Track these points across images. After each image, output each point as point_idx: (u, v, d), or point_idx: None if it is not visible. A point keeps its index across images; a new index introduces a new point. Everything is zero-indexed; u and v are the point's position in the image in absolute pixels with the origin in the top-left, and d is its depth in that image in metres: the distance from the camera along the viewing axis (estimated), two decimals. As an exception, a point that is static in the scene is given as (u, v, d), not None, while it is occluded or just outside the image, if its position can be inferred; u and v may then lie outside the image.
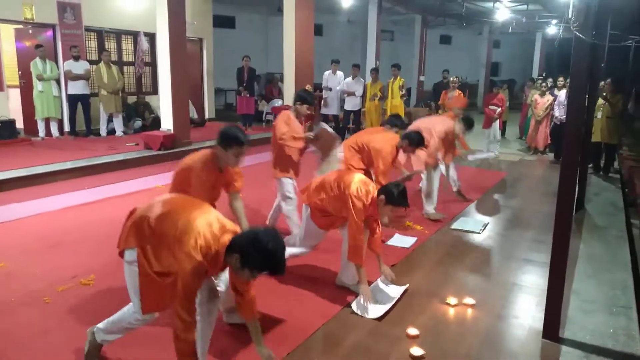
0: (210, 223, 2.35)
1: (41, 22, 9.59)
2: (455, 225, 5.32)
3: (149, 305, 2.51)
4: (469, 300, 3.58)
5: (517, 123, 12.89)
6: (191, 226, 2.29)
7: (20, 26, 9.79)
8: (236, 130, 3.20)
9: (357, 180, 3.46)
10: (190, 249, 2.23)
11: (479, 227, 5.29)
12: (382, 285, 3.70)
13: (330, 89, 10.98)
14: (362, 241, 3.42)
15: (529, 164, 9.28)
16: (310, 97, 4.61)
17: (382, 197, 3.32)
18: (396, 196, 3.28)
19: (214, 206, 2.87)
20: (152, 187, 6.59)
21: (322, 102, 11.07)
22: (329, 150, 4.59)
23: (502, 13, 15.39)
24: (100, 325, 2.70)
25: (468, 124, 5.72)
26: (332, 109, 11.17)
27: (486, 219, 5.67)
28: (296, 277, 3.92)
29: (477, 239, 5.02)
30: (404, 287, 3.70)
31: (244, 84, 11.43)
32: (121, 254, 2.59)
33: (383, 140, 4.73)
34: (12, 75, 9.95)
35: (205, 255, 2.25)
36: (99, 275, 3.87)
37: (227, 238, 2.31)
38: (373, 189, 3.45)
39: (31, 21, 9.46)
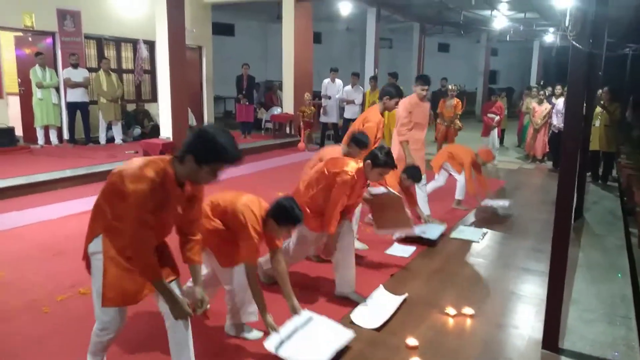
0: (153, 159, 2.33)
1: (41, 29, 9.65)
2: (454, 234, 5.32)
3: (111, 296, 2.32)
4: (468, 310, 3.58)
5: (515, 131, 12.93)
6: (139, 164, 2.25)
7: (20, 34, 9.83)
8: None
9: (348, 162, 3.60)
10: (137, 170, 2.20)
11: (478, 236, 5.29)
12: (381, 295, 3.70)
13: (329, 97, 11.03)
14: (337, 214, 3.52)
15: (528, 172, 9.30)
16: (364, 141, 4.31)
17: (368, 161, 3.48)
18: (381, 158, 3.45)
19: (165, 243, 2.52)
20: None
21: (322, 110, 11.11)
22: (395, 213, 4.27)
23: (500, 21, 15.50)
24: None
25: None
26: (331, 117, 11.21)
27: (485, 227, 5.67)
28: (293, 287, 3.91)
29: (476, 247, 5.02)
30: (402, 297, 3.70)
31: (243, 92, 11.47)
32: (85, 256, 2.48)
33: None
34: (11, 82, 9.97)
35: (156, 172, 2.21)
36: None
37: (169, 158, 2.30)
38: (360, 164, 3.59)
39: (31, 29, 9.50)
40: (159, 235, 2.38)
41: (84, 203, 6.10)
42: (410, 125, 5.58)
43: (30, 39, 9.92)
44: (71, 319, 3.34)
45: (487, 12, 14.80)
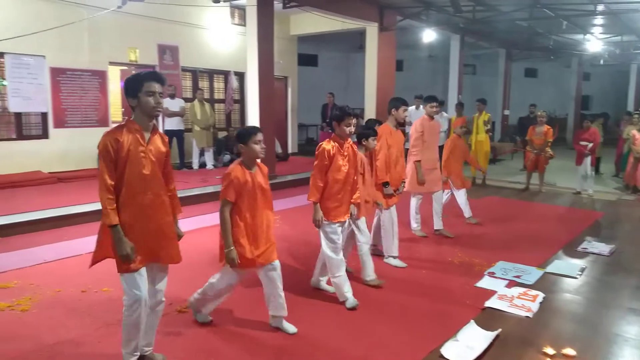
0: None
1: (144, 63, 10.46)
2: (549, 269, 5.06)
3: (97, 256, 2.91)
4: (569, 351, 3.37)
5: (612, 159, 12.14)
6: None
7: (125, 67, 10.73)
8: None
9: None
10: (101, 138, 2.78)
11: (575, 271, 5.01)
12: (472, 331, 3.60)
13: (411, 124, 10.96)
14: (317, 183, 3.98)
15: (628, 204, 8.69)
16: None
17: (334, 123, 4.06)
18: (335, 113, 4.04)
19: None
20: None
21: (406, 137, 11.07)
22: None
23: (594, 45, 14.78)
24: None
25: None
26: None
27: (582, 262, 5.35)
28: (366, 314, 3.91)
29: (574, 284, 4.74)
30: (495, 333, 3.57)
31: (327, 120, 11.73)
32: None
33: None
34: (116, 111, 10.88)
35: (110, 131, 2.78)
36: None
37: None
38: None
39: (135, 62, 10.34)
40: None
41: (182, 222, 6.45)
42: (422, 144, 5.92)
43: (133, 71, 10.81)
44: (169, 333, 3.52)
45: (580, 36, 14.20)
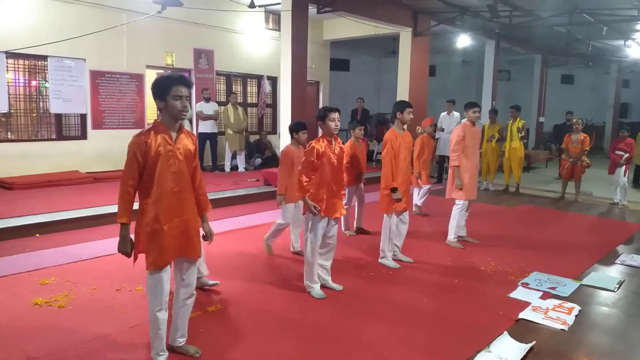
0: None
1: (180, 67, 10.67)
2: (586, 281, 4.92)
3: (136, 253, 3.10)
4: (606, 366, 3.28)
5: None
6: None
7: (162, 71, 10.95)
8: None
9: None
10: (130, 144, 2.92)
11: (613, 284, 4.85)
12: (505, 343, 3.53)
13: (443, 130, 10.86)
14: (302, 180, 4.19)
15: (669, 216, 8.38)
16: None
17: (319, 122, 4.29)
18: (318, 113, 4.30)
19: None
20: (270, 222, 6.90)
21: (436, 142, 10.96)
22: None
23: (634, 51, 14.37)
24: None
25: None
26: (446, 150, 11.01)
27: (620, 275, 5.19)
28: (399, 321, 3.88)
29: (611, 297, 4.60)
30: (529, 345, 3.49)
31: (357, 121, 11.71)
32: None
33: None
34: (152, 114, 11.10)
35: (139, 134, 2.90)
36: (224, 303, 4.12)
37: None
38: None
39: (171, 66, 10.56)
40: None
41: (214, 224, 6.55)
42: (461, 150, 5.87)
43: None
44: (197, 334, 3.57)
45: (620, 42, 13.82)
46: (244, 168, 10.84)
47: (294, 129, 5.35)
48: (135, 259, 3.06)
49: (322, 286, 4.47)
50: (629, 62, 17.24)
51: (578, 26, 11.91)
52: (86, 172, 9.17)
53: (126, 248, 2.95)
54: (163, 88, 2.91)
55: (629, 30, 12.72)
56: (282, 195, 5.30)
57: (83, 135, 9.47)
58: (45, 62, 8.86)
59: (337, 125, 4.32)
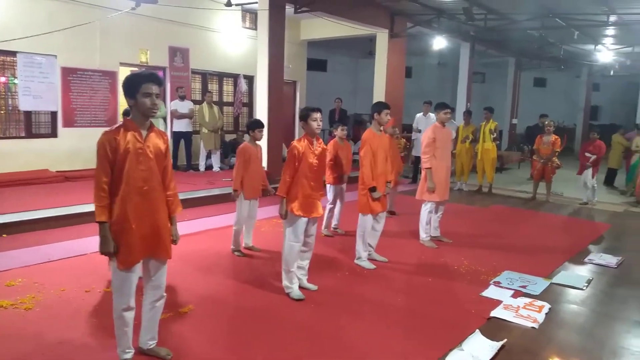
0: None
1: (154, 65, 10.51)
2: (556, 280, 5.02)
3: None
4: (574, 363, 3.34)
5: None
6: None
7: (136, 69, 10.78)
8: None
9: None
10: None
11: (582, 282, 4.96)
12: (477, 341, 3.57)
13: (420, 131, 10.94)
14: (286, 179, 4.23)
15: (636, 216, 8.61)
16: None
17: (300, 122, 4.37)
18: (301, 112, 4.37)
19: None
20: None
21: (411, 143, 11.06)
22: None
23: (604, 55, 14.74)
24: None
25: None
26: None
27: (589, 274, 5.30)
28: (372, 320, 3.89)
29: (581, 295, 4.70)
30: (500, 343, 3.54)
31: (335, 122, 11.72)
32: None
33: None
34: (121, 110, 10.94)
35: (108, 131, 2.86)
36: (197, 304, 4.07)
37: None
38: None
39: (146, 64, 10.39)
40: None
41: (184, 225, 6.49)
42: (433, 151, 5.89)
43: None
44: (171, 335, 3.52)
45: (590, 46, 14.16)
46: (219, 167, 10.74)
47: (250, 127, 5.47)
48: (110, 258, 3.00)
49: (299, 287, 4.46)
50: (599, 66, 17.70)
51: (550, 30, 12.16)
52: (56, 171, 8.95)
53: (108, 248, 2.85)
54: (133, 85, 2.88)
55: (599, 35, 13.04)
56: (236, 192, 5.37)
57: (53, 133, 9.24)
58: (15, 58, 8.62)
59: (319, 125, 4.31)
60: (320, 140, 4.47)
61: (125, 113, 4.48)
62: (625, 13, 10.17)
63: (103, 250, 2.87)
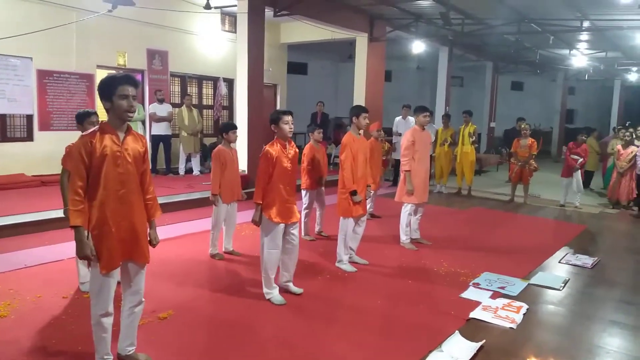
0: None
1: (132, 67, 10.40)
2: (533, 281, 5.10)
3: None
4: (551, 362, 3.40)
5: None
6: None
7: (113, 71, 10.65)
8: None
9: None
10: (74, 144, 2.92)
11: (559, 283, 5.05)
12: (456, 342, 3.61)
13: (400, 134, 11.02)
14: (261, 185, 4.19)
15: (611, 217, 8.80)
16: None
17: (272, 126, 4.29)
18: (275, 115, 4.30)
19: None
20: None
21: (392, 147, 11.13)
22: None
23: (579, 60, 15.05)
24: None
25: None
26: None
27: (566, 275, 5.40)
28: (351, 323, 3.90)
29: (557, 296, 4.78)
30: (479, 344, 3.58)
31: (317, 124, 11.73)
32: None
33: None
34: (103, 115, 10.75)
35: (84, 135, 2.85)
36: (177, 309, 4.03)
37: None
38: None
39: (123, 67, 10.28)
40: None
41: (163, 230, 6.41)
42: (412, 154, 5.94)
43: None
44: (150, 341, 3.48)
45: (565, 51, 14.45)
46: (199, 171, 10.66)
47: (222, 130, 5.49)
48: (89, 264, 2.96)
49: (285, 290, 4.44)
50: (574, 71, 18.06)
51: (526, 35, 12.37)
52: (32, 175, 8.79)
53: (85, 252, 2.79)
54: (109, 88, 2.85)
55: (573, 40, 13.32)
56: (215, 196, 5.37)
57: (29, 137, 9.07)
58: (-12, 60, 8.45)
59: (291, 128, 4.29)
60: (293, 143, 4.43)
61: (79, 117, 4.33)
62: (597, 19, 10.41)
63: (81, 255, 2.83)
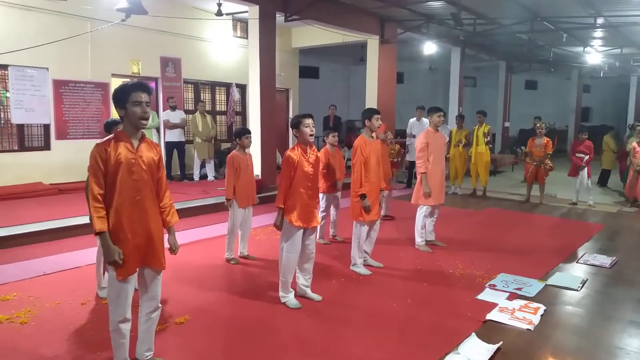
0: None
1: (146, 75, 10.52)
2: (551, 281, 5.04)
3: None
4: (570, 364, 3.36)
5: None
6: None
7: (128, 79, 10.77)
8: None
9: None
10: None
11: (576, 283, 4.99)
12: (473, 344, 3.59)
13: (414, 136, 10.98)
14: (283, 189, 4.20)
15: (629, 216, 8.67)
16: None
17: (294, 130, 4.31)
18: (295, 120, 4.29)
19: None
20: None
21: (406, 148, 11.10)
22: None
23: (593, 57, 14.87)
24: None
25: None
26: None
27: (583, 275, 5.34)
28: (369, 325, 3.90)
29: (575, 296, 4.72)
30: (496, 346, 3.55)
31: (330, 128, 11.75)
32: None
33: None
34: (118, 124, 10.92)
35: (99, 143, 2.88)
36: (193, 314, 4.06)
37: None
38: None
39: (137, 75, 10.40)
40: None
41: (179, 235, 6.46)
42: (427, 156, 5.91)
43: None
44: (168, 345, 3.51)
45: (579, 49, 14.30)
46: (214, 176, 10.74)
47: (237, 135, 5.54)
48: (105, 270, 3.00)
49: (302, 296, 4.44)
50: (589, 68, 17.86)
51: (539, 33, 12.26)
52: (50, 184, 8.93)
53: (114, 257, 2.84)
54: (122, 95, 2.90)
55: (587, 38, 13.17)
56: (230, 200, 5.39)
57: (46, 146, 9.22)
58: (6, 72, 8.61)
59: (312, 131, 4.28)
60: (314, 147, 4.44)
61: (107, 125, 4.41)
62: (611, 15, 10.29)
63: (110, 260, 2.86)
